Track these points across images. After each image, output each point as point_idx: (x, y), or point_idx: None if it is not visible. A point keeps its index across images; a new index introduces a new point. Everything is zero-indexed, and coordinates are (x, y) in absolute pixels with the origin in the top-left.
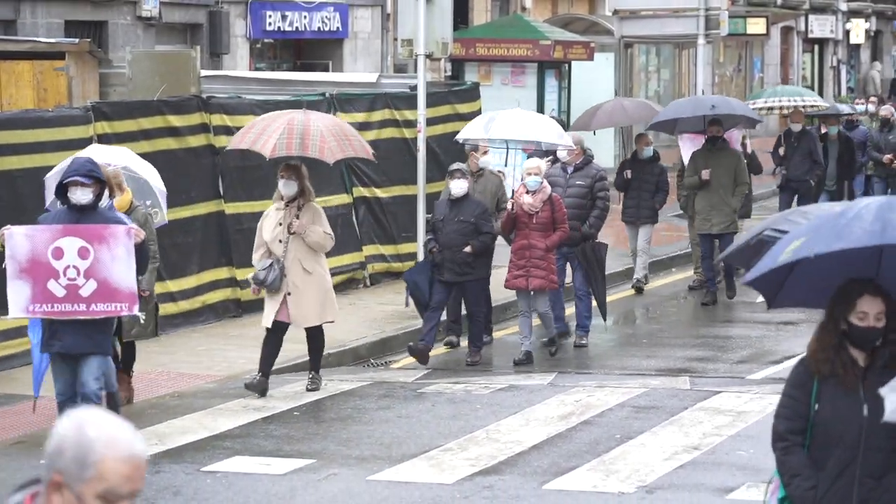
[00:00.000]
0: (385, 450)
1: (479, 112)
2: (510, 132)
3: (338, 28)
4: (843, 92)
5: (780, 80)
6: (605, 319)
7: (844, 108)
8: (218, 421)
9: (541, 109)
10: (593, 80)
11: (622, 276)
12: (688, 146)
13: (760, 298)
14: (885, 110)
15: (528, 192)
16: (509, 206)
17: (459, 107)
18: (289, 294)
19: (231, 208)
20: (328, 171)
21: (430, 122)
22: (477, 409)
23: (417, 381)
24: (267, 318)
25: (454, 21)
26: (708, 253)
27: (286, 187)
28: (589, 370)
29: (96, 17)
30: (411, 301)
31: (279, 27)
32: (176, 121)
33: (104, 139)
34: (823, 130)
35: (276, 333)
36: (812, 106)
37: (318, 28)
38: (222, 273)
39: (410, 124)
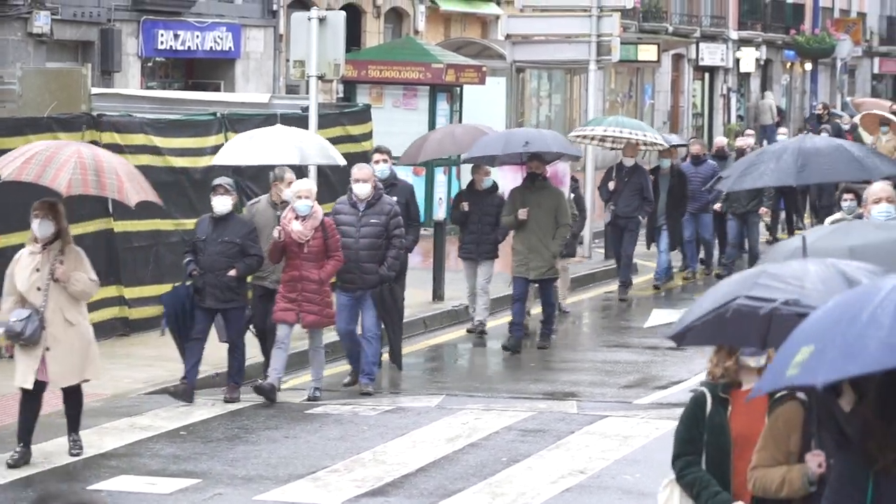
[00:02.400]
0: (271, 470)
1: (370, 134)
2: (241, 157)
3: (230, 48)
4: (734, 120)
5: (670, 107)
6: (399, 368)
7: (673, 139)
8: (104, 440)
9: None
10: (485, 104)
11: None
12: (509, 181)
13: (648, 324)
14: (696, 146)
15: (297, 218)
16: (276, 233)
17: (351, 128)
18: (47, 349)
19: (120, 226)
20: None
21: None
22: (364, 431)
23: (305, 401)
24: (24, 377)
25: (346, 43)
26: (521, 296)
27: (41, 228)
28: (476, 393)
29: None
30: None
31: (171, 46)
32: (66, 138)
33: None
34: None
35: (35, 394)
36: (652, 143)
37: (211, 48)
38: (110, 291)
39: None
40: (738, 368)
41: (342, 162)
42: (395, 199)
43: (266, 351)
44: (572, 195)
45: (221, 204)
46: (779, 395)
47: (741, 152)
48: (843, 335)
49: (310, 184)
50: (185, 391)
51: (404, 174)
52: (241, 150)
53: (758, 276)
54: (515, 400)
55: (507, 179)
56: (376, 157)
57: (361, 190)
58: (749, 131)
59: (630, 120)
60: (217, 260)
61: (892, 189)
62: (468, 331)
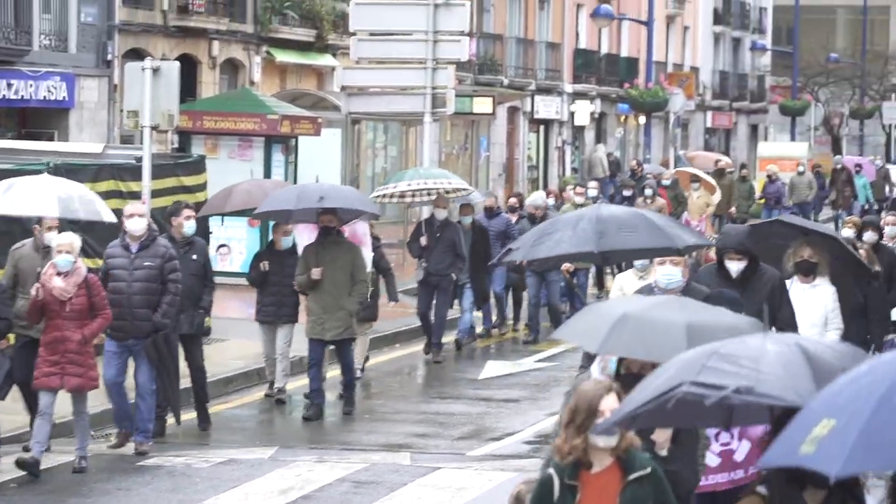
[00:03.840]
0: None
1: (205, 185)
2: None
3: (64, 97)
4: (568, 172)
5: (505, 159)
6: (178, 422)
7: (477, 194)
8: None
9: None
10: (321, 155)
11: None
12: (305, 239)
13: (482, 375)
14: (489, 200)
15: (59, 275)
16: (34, 291)
17: (185, 179)
18: None
19: None
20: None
21: (156, 194)
22: (196, 483)
23: (137, 454)
24: None
25: (182, 93)
26: (317, 361)
27: None
28: (310, 444)
29: None
30: None
31: (4, 95)
32: None
33: None
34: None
35: None
36: (458, 190)
37: (45, 97)
38: None
39: (136, 196)
40: (586, 447)
41: (110, 219)
42: (166, 244)
43: (31, 407)
44: (372, 254)
45: None
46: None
47: (532, 217)
48: (867, 417)
49: (71, 237)
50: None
51: (238, 224)
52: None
53: (707, 358)
54: (349, 451)
55: (302, 238)
56: (186, 212)
57: (136, 225)
58: (592, 183)
59: (432, 170)
60: None
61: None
62: (266, 395)
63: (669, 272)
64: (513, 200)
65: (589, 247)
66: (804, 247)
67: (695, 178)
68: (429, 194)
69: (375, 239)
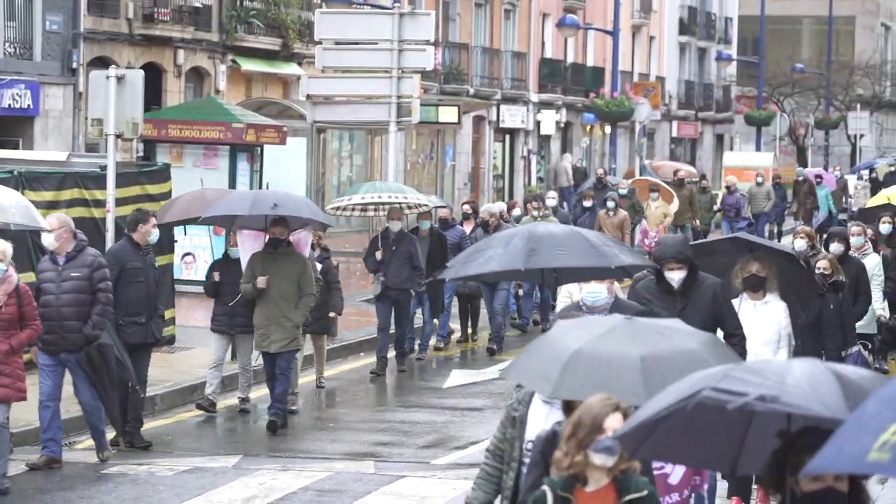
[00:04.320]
0: None
1: (169, 193)
2: None
3: (29, 105)
4: (534, 182)
5: (471, 168)
6: (118, 436)
7: (434, 200)
8: None
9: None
10: (286, 164)
11: (351, 349)
12: (248, 246)
13: (447, 384)
14: (443, 210)
15: None
16: None
17: (150, 187)
18: None
19: None
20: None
21: (120, 202)
22: (160, 491)
23: (101, 461)
24: None
25: (147, 102)
26: (270, 374)
27: None
28: (274, 453)
29: None
30: None
31: None
32: None
33: None
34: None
35: None
36: (415, 206)
37: (9, 105)
38: None
39: (100, 204)
40: (587, 464)
41: (46, 226)
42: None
43: None
44: (320, 265)
45: None
46: None
47: (485, 225)
48: None
49: (3, 244)
50: None
51: (202, 233)
52: None
53: (729, 370)
54: (313, 460)
55: (245, 246)
56: (153, 220)
57: (46, 240)
58: (552, 193)
59: (388, 184)
60: None
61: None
62: (197, 405)
63: (594, 290)
64: (466, 208)
65: (517, 265)
66: (751, 262)
67: (654, 188)
68: (384, 208)
69: (324, 250)
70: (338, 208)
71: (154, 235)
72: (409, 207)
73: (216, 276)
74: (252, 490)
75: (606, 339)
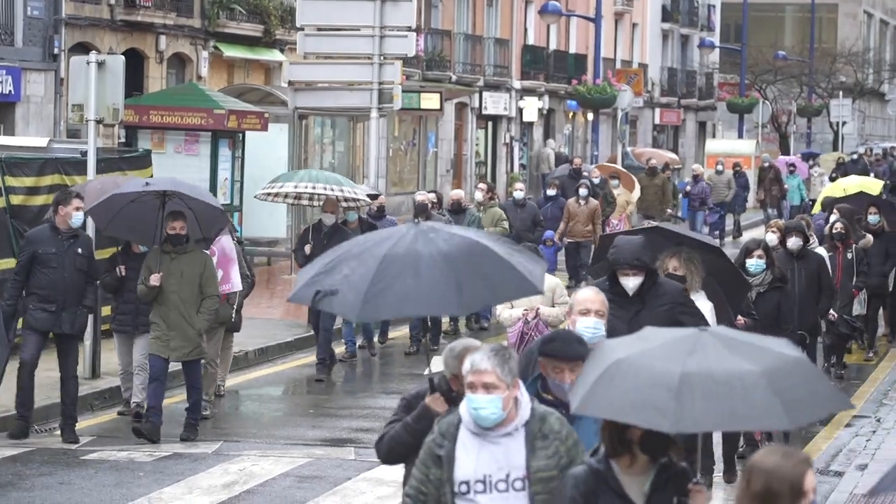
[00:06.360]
0: None
1: None
2: None
3: (10, 91)
4: (516, 169)
5: (453, 155)
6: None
7: (363, 188)
8: None
9: (214, 178)
10: (268, 150)
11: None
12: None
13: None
14: (379, 198)
15: None
16: None
17: (131, 174)
18: None
19: None
20: None
21: None
22: (140, 477)
23: (81, 447)
24: None
25: (129, 88)
26: (159, 376)
27: None
28: (254, 439)
29: None
30: None
31: None
32: None
33: None
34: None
35: None
36: (352, 199)
37: None
38: None
39: None
40: None
41: None
42: (79, 250)
43: None
44: (245, 260)
45: None
46: None
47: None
48: None
49: None
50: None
51: None
52: None
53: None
54: (293, 446)
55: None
56: (76, 203)
57: None
58: (519, 185)
59: (325, 174)
60: None
61: (604, 299)
62: (119, 413)
63: (593, 324)
64: (432, 196)
65: (349, 313)
66: (670, 258)
67: (614, 175)
68: (318, 199)
69: (239, 243)
70: (269, 194)
71: (76, 219)
72: (346, 200)
73: (120, 271)
74: (232, 476)
75: (705, 356)
